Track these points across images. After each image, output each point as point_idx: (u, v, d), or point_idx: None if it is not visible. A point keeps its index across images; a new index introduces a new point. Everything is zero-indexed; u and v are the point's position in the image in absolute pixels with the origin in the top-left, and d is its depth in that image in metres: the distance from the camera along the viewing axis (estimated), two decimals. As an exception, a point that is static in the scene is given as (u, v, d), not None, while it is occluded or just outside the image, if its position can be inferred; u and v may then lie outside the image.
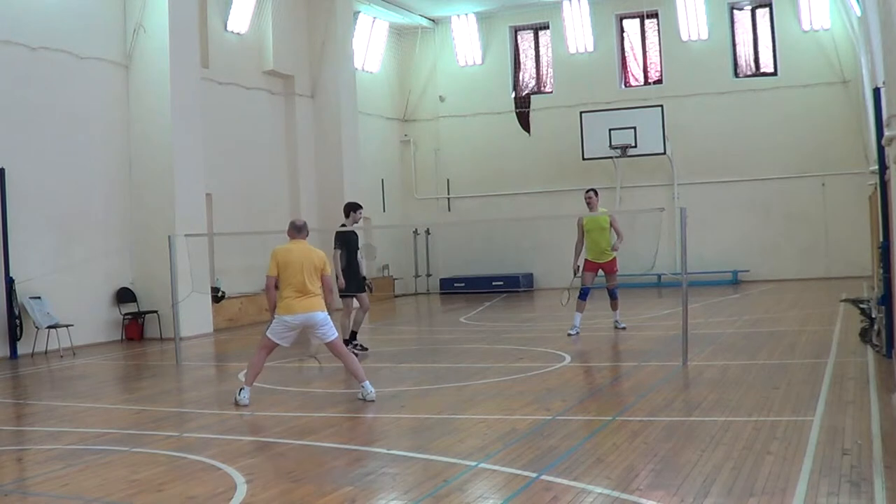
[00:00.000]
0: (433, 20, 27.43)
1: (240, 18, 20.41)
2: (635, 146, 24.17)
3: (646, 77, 26.06)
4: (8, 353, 14.54)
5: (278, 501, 5.77)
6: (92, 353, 15.01)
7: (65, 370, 13.22)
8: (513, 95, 27.13)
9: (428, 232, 27.53)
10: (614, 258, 14.32)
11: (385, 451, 7.01)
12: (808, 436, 6.74)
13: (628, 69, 26.29)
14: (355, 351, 12.49)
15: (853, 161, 22.65)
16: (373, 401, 9.07)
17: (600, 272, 14.36)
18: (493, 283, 25.84)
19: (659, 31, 25.69)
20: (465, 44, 27.37)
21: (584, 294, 14.25)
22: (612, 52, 26.13)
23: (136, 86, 17.23)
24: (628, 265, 18.79)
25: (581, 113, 24.84)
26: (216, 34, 19.94)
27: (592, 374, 11.15)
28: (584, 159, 24.82)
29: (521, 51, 27.43)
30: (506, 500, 5.58)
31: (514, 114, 27.00)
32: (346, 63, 23.00)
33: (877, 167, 10.72)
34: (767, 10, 24.80)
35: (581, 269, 14.34)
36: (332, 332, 9.28)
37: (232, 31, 20.34)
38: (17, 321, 14.62)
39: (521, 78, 27.35)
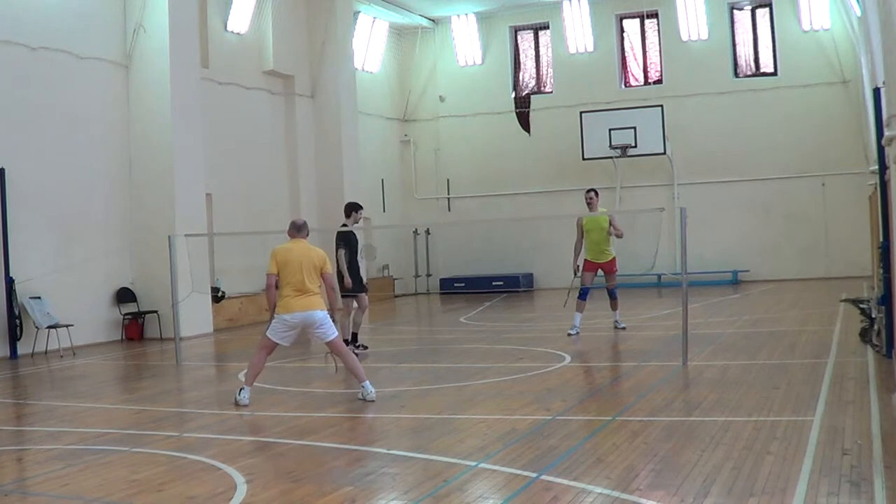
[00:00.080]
0: (433, 20, 27.44)
1: (240, 18, 20.41)
2: (635, 146, 24.18)
3: (646, 77, 26.07)
4: (8, 353, 14.54)
5: (278, 501, 5.77)
6: (92, 353, 15.01)
7: (65, 370, 13.22)
8: (513, 95, 27.14)
9: (428, 232, 27.53)
10: (613, 258, 14.32)
11: (385, 451, 7.01)
12: (808, 436, 6.74)
13: (628, 69, 26.29)
14: (356, 351, 12.50)
15: (853, 161, 22.66)
16: (373, 401, 9.07)
17: (600, 272, 14.37)
18: (493, 283, 25.84)
19: (659, 31, 25.69)
20: (465, 44, 27.37)
21: (583, 294, 14.26)
22: (612, 52, 26.13)
23: (136, 86, 17.23)
24: (628, 265, 18.80)
25: (581, 113, 24.85)
26: (216, 34, 19.94)
27: (592, 374, 11.15)
28: (584, 159, 24.83)
29: (521, 51, 27.43)
30: (506, 500, 5.58)
31: (514, 114, 27.00)
32: (346, 63, 23.00)
33: (877, 167, 10.72)
34: (767, 10, 24.81)
35: (580, 269, 14.34)
36: (332, 332, 9.27)
37: (232, 31, 20.34)
38: (17, 321, 14.62)
39: (521, 78, 27.35)
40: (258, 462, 6.95)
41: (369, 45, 26.03)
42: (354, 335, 13.16)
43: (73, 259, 16.01)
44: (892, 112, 7.96)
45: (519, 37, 27.44)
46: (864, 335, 11.46)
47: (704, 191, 24.76)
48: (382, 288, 24.99)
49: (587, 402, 8.90)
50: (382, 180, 26.52)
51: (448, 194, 27.63)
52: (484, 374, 10.76)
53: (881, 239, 10.79)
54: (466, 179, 27.34)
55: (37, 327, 14.78)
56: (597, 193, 14.42)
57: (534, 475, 6.01)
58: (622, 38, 26.30)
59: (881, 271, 10.47)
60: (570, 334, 14.02)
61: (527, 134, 26.88)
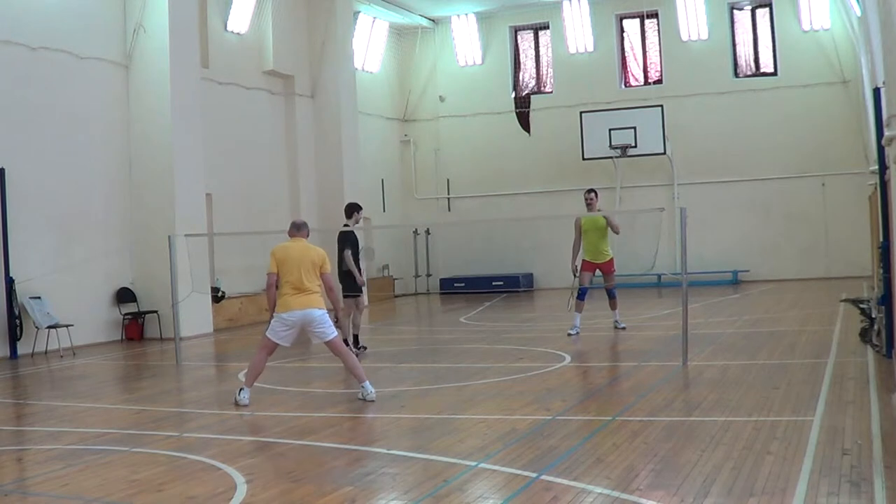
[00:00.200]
0: (433, 20, 27.43)
1: (240, 18, 20.41)
2: (635, 146, 24.18)
3: (646, 77, 26.06)
4: (8, 353, 14.54)
5: (278, 501, 5.77)
6: (92, 353, 15.01)
7: (65, 370, 13.22)
8: (513, 95, 27.13)
9: (428, 232, 27.53)
10: (611, 258, 14.34)
11: (385, 451, 7.01)
12: (808, 436, 6.74)
13: (628, 69, 26.29)
14: (356, 351, 12.50)
15: (853, 161, 22.66)
16: (373, 401, 9.07)
17: (598, 272, 14.38)
18: (493, 283, 25.84)
19: (659, 31, 25.69)
20: (465, 44, 27.37)
21: (582, 294, 14.25)
22: (612, 52, 26.13)
23: (136, 86, 17.23)
24: (628, 265, 18.82)
25: (581, 113, 24.84)
26: (216, 34, 19.93)
27: (592, 374, 11.14)
28: (584, 159, 24.83)
29: (521, 51, 27.43)
30: (506, 500, 5.58)
31: (514, 114, 27.00)
32: (346, 63, 23.00)
33: (877, 167, 10.72)
34: (767, 10, 24.80)
35: (579, 269, 14.35)
36: (332, 331, 9.27)
37: (232, 31, 20.34)
38: (17, 321, 14.62)
39: (521, 78, 27.35)
40: (258, 462, 6.95)
41: (369, 45, 26.03)
42: (356, 337, 13.16)
43: (73, 259, 16.01)
44: (892, 112, 7.96)
45: (519, 37, 27.44)
46: (864, 335, 11.46)
47: (704, 191, 24.76)
48: (382, 288, 24.99)
49: (587, 402, 8.90)
50: (382, 180, 26.52)
51: (448, 194, 27.63)
52: (484, 374, 10.76)
53: (881, 239, 10.79)
54: (466, 179, 27.33)
55: (37, 327, 14.78)
56: (596, 194, 14.44)
57: (534, 475, 6.01)
58: (622, 38, 26.30)
59: (881, 271, 10.47)
60: (570, 334, 14.02)
61: (527, 134, 26.88)
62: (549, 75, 26.99)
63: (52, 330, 14.84)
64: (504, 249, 26.65)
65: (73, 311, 15.50)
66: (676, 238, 16.75)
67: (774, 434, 6.88)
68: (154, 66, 17.05)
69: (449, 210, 27.69)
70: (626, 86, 26.15)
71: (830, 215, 23.90)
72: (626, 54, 26.29)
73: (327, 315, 9.29)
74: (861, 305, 11.99)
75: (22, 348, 14.70)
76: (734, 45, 25.18)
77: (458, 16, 27.08)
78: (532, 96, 26.97)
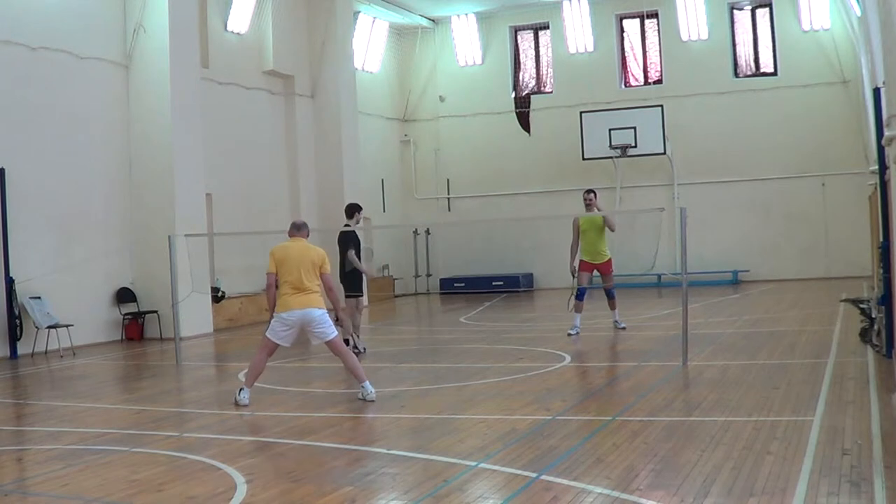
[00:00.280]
0: (433, 20, 27.43)
1: (240, 18, 20.40)
2: (635, 146, 24.18)
3: (646, 77, 26.06)
4: (8, 353, 14.54)
5: (278, 501, 5.77)
6: (92, 353, 15.01)
7: (65, 370, 13.22)
8: (513, 95, 27.13)
9: (428, 232, 27.53)
10: (609, 259, 14.33)
11: (385, 451, 7.01)
12: (808, 436, 6.74)
13: (628, 69, 26.29)
14: (355, 351, 12.50)
15: (853, 161, 22.66)
16: (373, 401, 9.07)
17: (596, 272, 14.38)
18: (493, 283, 25.84)
19: (659, 31, 25.69)
20: (465, 44, 27.36)
21: (580, 294, 14.25)
22: (612, 52, 26.13)
23: (136, 86, 17.23)
24: (628, 265, 18.84)
25: (581, 113, 24.85)
26: (216, 34, 19.93)
27: (592, 374, 11.14)
28: (584, 159, 24.83)
29: (521, 51, 27.43)
30: (506, 500, 5.58)
31: (514, 114, 27.00)
32: (346, 63, 23.00)
33: (877, 167, 10.72)
34: (767, 10, 24.80)
35: (577, 269, 14.34)
36: (332, 331, 9.26)
37: (232, 31, 20.34)
38: (17, 321, 14.62)
39: (521, 78, 27.35)
40: (258, 462, 6.95)
41: (369, 45, 26.03)
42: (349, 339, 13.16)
43: (73, 259, 16.01)
44: (892, 112, 7.96)
45: (519, 37, 27.44)
46: (864, 335, 11.46)
47: (704, 191, 24.76)
48: (382, 288, 24.99)
49: (587, 402, 8.90)
50: (382, 180, 26.52)
51: (448, 194, 27.63)
52: (484, 374, 10.76)
53: (881, 239, 10.79)
54: (466, 179, 27.33)
55: (37, 327, 14.78)
56: (595, 194, 14.43)
57: (534, 475, 6.01)
58: (622, 38, 26.30)
59: (881, 271, 10.47)
60: (570, 334, 14.02)
61: (527, 134, 26.88)
62: (549, 75, 26.99)
63: (52, 330, 14.84)
64: (504, 249, 26.65)
65: (73, 311, 15.50)
66: (676, 238, 16.73)
67: (774, 434, 6.88)
68: (154, 66, 17.04)
69: (449, 210, 27.69)
70: (626, 86, 26.15)
71: (830, 215, 23.90)
72: (626, 54, 26.29)
73: (327, 315, 9.29)
74: (861, 305, 11.99)
75: (22, 348, 14.70)
76: (734, 45, 25.18)
77: (458, 16, 27.08)
78: (532, 96, 26.97)
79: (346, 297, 13.07)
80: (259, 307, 18.94)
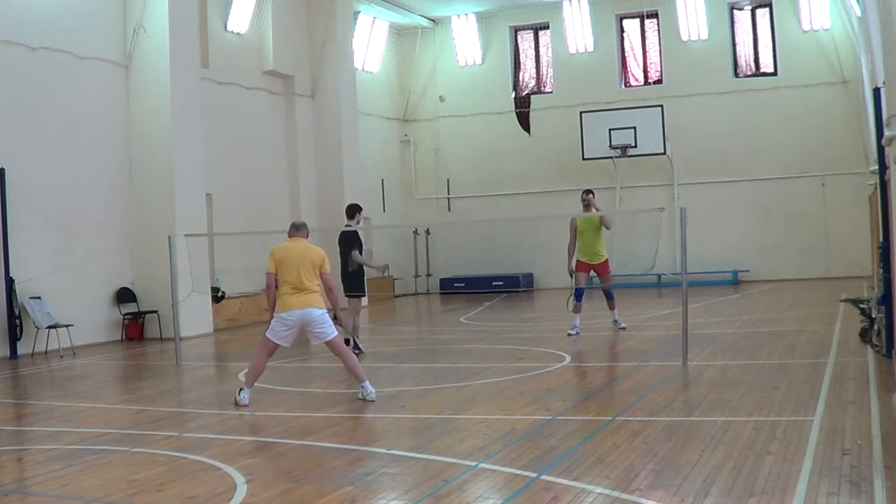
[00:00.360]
0: (433, 20, 27.43)
1: (240, 18, 20.40)
2: (635, 146, 24.18)
3: (646, 77, 26.06)
4: (8, 353, 14.54)
5: (278, 501, 5.77)
6: (92, 353, 15.01)
7: (65, 370, 13.22)
8: (513, 95, 27.13)
9: (428, 232, 27.53)
10: (606, 260, 14.33)
11: (385, 451, 7.01)
12: (808, 436, 6.74)
13: (628, 69, 26.29)
14: (356, 352, 12.50)
15: (853, 161, 22.66)
16: (373, 401, 9.07)
17: (592, 272, 14.37)
18: (493, 283, 25.83)
19: (659, 31, 25.69)
20: (465, 44, 27.36)
21: (578, 295, 14.24)
22: (612, 52, 26.13)
23: (136, 86, 17.23)
24: (628, 265, 18.86)
25: (581, 113, 24.85)
26: (216, 34, 19.93)
27: (592, 374, 11.14)
28: (584, 159, 24.82)
29: (521, 51, 27.43)
30: (506, 500, 5.58)
31: (514, 114, 27.00)
32: (346, 63, 23.00)
33: (877, 167, 10.72)
34: (767, 10, 24.80)
35: (574, 270, 14.34)
36: (331, 331, 9.26)
37: (232, 31, 20.34)
38: (17, 321, 14.62)
39: (521, 78, 27.35)
40: (258, 462, 6.95)
41: (369, 45, 26.03)
42: (352, 339, 13.15)
43: (73, 259, 16.01)
44: (892, 112, 7.96)
45: (519, 37, 27.43)
46: (864, 335, 11.46)
47: (704, 191, 24.75)
48: (382, 288, 24.98)
49: (587, 402, 8.90)
50: (382, 180, 26.52)
51: (448, 194, 27.63)
52: (484, 374, 10.76)
53: (881, 239, 10.79)
54: (466, 179, 27.33)
55: (37, 327, 14.78)
56: (594, 194, 14.42)
57: (534, 475, 6.01)
58: (622, 38, 26.30)
59: (881, 271, 10.47)
60: (570, 334, 14.02)
61: (527, 134, 26.87)
62: (549, 75, 26.99)
63: (52, 330, 14.84)
64: (504, 249, 26.65)
65: (73, 311, 15.50)
66: (676, 238, 16.74)
67: (774, 434, 6.88)
68: (154, 66, 17.04)
69: (449, 210, 27.69)
70: (626, 86, 26.15)
71: (830, 215, 23.90)
72: (626, 54, 26.29)
73: (327, 315, 9.29)
74: (861, 305, 11.99)
75: (22, 348, 14.70)
76: (734, 45, 25.18)
77: (458, 16, 27.07)
78: (532, 96, 26.97)
79: (349, 297, 13.05)
80: (259, 307, 18.95)
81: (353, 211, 13.43)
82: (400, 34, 27.33)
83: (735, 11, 25.20)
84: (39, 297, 14.99)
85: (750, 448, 6.47)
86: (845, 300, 14.07)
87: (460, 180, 27.45)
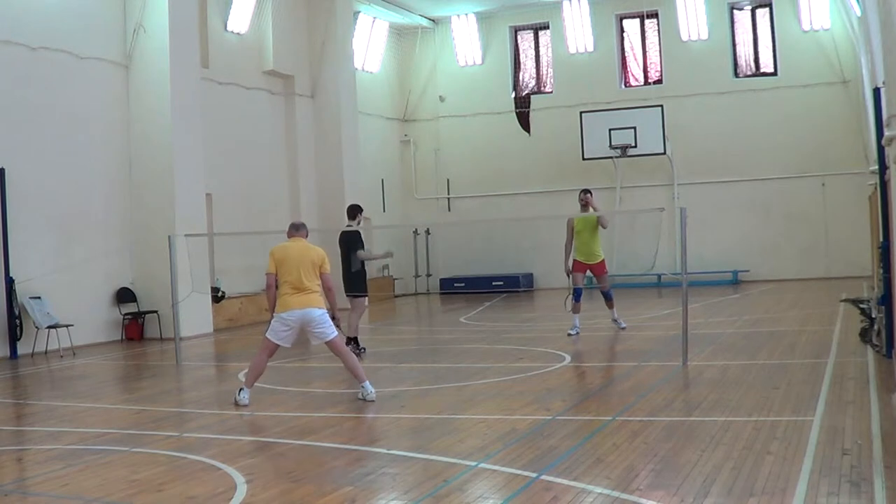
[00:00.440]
0: (433, 20, 27.43)
1: (240, 18, 20.40)
2: (635, 146, 24.18)
3: (646, 77, 26.06)
4: (8, 353, 14.54)
5: (278, 501, 5.77)
6: (92, 353, 15.01)
7: (65, 370, 13.22)
8: (513, 95, 27.13)
9: (428, 232, 27.52)
10: (602, 260, 14.32)
11: (385, 451, 7.01)
12: (808, 436, 6.74)
13: (628, 69, 26.29)
14: (356, 351, 12.50)
15: (853, 161, 22.65)
16: (373, 401, 9.07)
17: (589, 273, 14.37)
18: (493, 283, 25.82)
19: (659, 31, 25.69)
20: (465, 44, 27.36)
21: (577, 295, 14.23)
22: (612, 52, 26.13)
23: (136, 86, 17.23)
24: (628, 265, 18.85)
25: (581, 113, 24.85)
26: (216, 34, 19.93)
27: (592, 374, 11.14)
28: (584, 159, 24.82)
29: (521, 51, 27.43)
30: (506, 500, 5.58)
31: (514, 114, 26.99)
32: (346, 63, 23.00)
33: (877, 167, 10.72)
34: (767, 10, 24.80)
35: (571, 270, 14.33)
36: (332, 331, 9.27)
37: (232, 31, 20.34)
38: (17, 321, 14.61)
39: (521, 78, 27.35)
40: (258, 462, 6.95)
41: (369, 45, 26.02)
42: (355, 338, 13.15)
43: (73, 259, 16.01)
44: (892, 112, 7.96)
45: (519, 37, 27.43)
46: (864, 335, 11.46)
47: (704, 191, 24.75)
48: (382, 288, 24.98)
49: (587, 402, 8.90)
50: (382, 180, 26.52)
51: (448, 194, 27.63)
52: (484, 374, 10.76)
53: (881, 239, 10.79)
54: (466, 179, 27.33)
55: (37, 327, 14.78)
56: (591, 194, 14.41)
57: (534, 475, 6.01)
58: (622, 38, 26.30)
59: (881, 271, 10.47)
60: (570, 335, 14.01)
61: (527, 134, 26.87)
62: (549, 75, 26.99)
63: (52, 330, 14.83)
64: (504, 249, 26.65)
65: (73, 311, 15.50)
66: (676, 238, 16.74)
67: (774, 434, 6.88)
68: (154, 66, 17.04)
69: (449, 210, 27.69)
70: (626, 86, 26.14)
71: (830, 215, 23.90)
72: (626, 54, 26.29)
73: (327, 315, 9.28)
74: (861, 305, 11.99)
75: (22, 348, 14.70)
76: (734, 45, 25.18)
77: (458, 16, 27.07)
78: (532, 96, 26.97)
79: (353, 297, 13.03)
80: (259, 307, 18.94)
81: (355, 211, 13.45)
82: (400, 34, 27.33)
83: (735, 11, 25.20)
84: (39, 297, 14.99)
85: (750, 448, 6.47)
86: (845, 300, 14.07)
87: (460, 180, 27.45)
